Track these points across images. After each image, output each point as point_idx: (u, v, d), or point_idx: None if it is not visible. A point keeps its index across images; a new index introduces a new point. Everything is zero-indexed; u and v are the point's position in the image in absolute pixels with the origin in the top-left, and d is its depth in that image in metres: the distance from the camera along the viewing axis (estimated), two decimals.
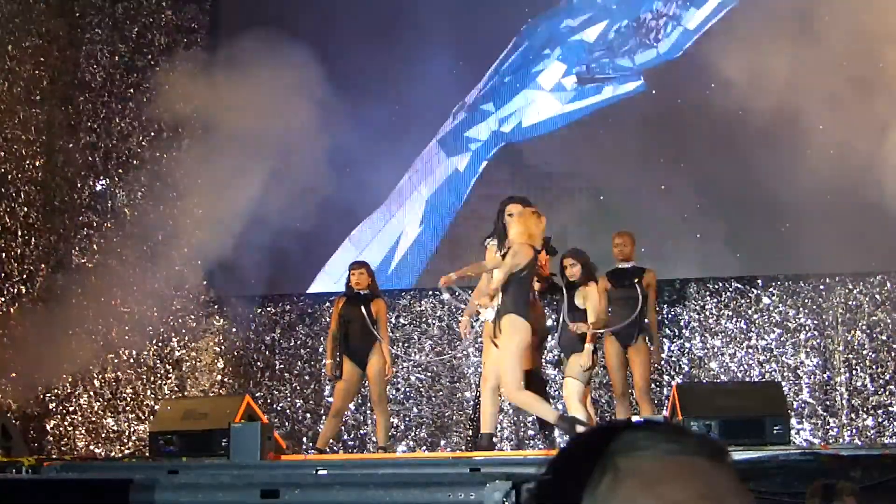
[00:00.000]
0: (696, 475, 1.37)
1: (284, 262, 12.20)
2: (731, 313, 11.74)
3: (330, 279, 12.37)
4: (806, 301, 11.64)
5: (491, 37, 12.60)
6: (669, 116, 11.79)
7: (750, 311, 11.72)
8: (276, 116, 12.35)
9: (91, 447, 12.51)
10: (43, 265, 12.62)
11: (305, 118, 12.16)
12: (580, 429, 9.03)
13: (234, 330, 12.70)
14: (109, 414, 12.57)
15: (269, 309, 12.67)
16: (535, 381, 9.19)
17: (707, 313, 11.80)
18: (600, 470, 1.40)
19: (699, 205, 11.63)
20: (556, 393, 10.97)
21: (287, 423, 12.34)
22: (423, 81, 12.07)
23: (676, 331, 11.81)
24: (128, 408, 12.60)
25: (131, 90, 12.98)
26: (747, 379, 11.45)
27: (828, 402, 11.40)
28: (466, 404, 11.25)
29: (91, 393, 12.60)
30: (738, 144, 11.17)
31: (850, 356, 11.46)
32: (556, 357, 9.96)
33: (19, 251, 12.42)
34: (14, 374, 12.15)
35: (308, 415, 12.44)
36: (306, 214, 12.15)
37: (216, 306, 12.73)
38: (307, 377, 12.52)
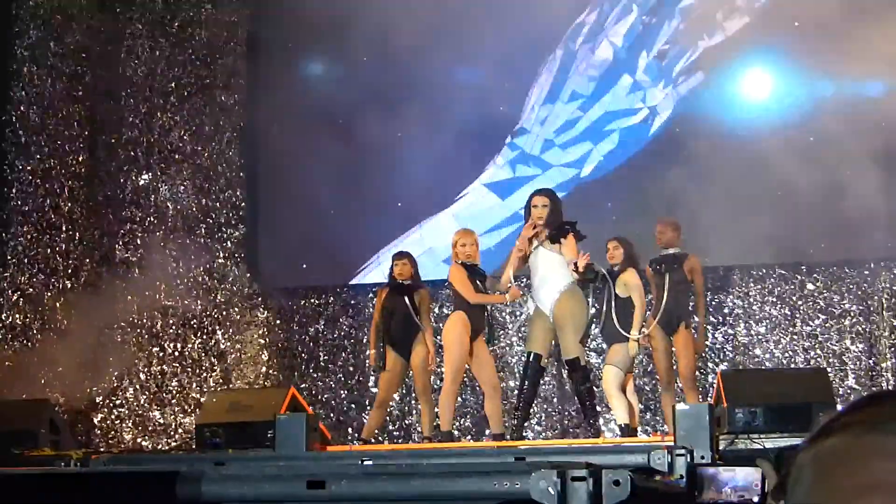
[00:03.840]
0: None
1: (331, 255, 12.21)
2: (775, 300, 11.63)
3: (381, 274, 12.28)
4: (851, 287, 11.52)
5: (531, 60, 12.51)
6: (716, 99, 11.71)
7: (794, 298, 11.61)
8: (318, 112, 12.38)
9: (138, 440, 12.58)
10: (88, 260, 12.69)
11: (348, 115, 12.19)
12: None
13: (278, 322, 12.74)
14: (156, 407, 12.61)
15: (312, 301, 12.67)
16: (578, 370, 9.16)
17: (751, 300, 11.70)
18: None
19: (743, 190, 11.53)
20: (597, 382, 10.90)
21: (332, 415, 12.33)
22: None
23: (720, 318, 11.72)
24: (174, 401, 12.64)
25: (172, 84, 13.03)
26: (792, 366, 11.37)
27: (874, 388, 11.29)
28: (511, 393, 11.23)
29: (137, 386, 12.64)
30: (783, 127, 11.10)
31: None
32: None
33: (64, 246, 12.50)
34: (61, 368, 12.24)
35: (353, 405, 12.44)
36: (355, 210, 12.18)
37: (260, 299, 12.77)
38: (351, 368, 12.52)
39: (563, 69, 12.41)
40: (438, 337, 10.17)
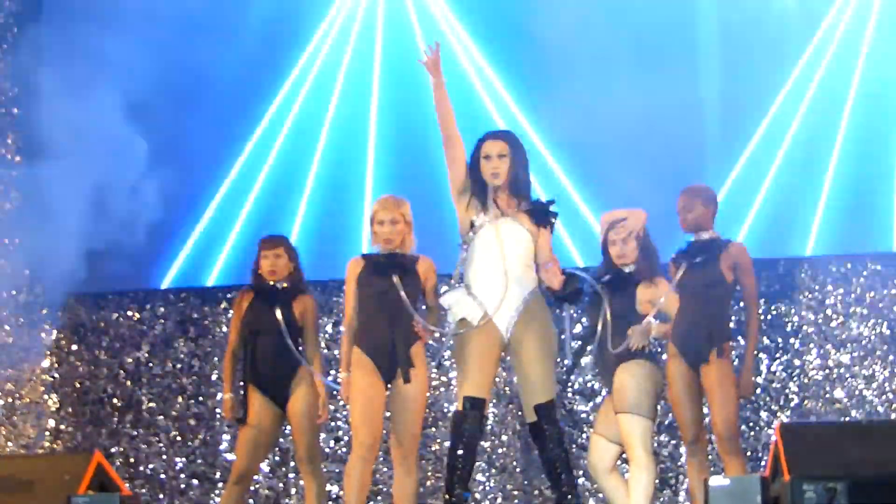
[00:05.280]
0: None
1: (162, 240, 12.02)
2: (866, 311, 11.58)
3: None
4: None
5: None
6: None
7: None
8: None
9: None
10: None
11: None
12: None
13: (74, 348, 12.50)
14: None
15: (130, 313, 12.49)
16: (554, 422, 8.80)
17: (829, 311, 11.63)
18: None
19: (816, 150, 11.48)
20: (584, 440, 10.71)
21: (162, 495, 12.17)
22: None
23: (780, 341, 11.63)
24: None
25: None
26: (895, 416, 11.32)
27: None
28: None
29: None
30: None
31: None
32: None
33: None
34: None
35: (195, 480, 12.28)
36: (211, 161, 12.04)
37: (45, 311, 12.52)
38: (192, 421, 12.33)
39: None
40: (334, 373, 9.95)
